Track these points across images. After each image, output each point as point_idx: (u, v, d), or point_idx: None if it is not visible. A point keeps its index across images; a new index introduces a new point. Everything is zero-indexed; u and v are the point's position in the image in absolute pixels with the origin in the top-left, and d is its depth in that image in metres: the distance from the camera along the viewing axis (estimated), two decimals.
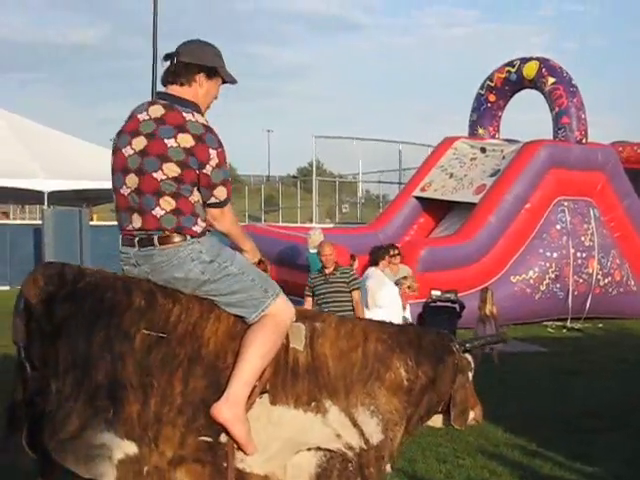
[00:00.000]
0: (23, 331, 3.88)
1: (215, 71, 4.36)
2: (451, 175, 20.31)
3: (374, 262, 10.97)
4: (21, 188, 24.29)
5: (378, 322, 4.68)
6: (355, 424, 4.18)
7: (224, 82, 4.44)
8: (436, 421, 4.64)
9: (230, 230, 4.34)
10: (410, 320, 12.71)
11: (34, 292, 3.88)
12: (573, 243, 18.63)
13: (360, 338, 4.33)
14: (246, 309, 4.14)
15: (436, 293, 13.92)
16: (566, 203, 18.97)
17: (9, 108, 28.87)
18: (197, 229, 4.12)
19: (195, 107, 4.25)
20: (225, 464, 3.98)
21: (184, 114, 4.16)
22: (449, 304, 13.78)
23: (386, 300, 10.59)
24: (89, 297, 3.90)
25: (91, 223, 22.53)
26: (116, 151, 4.22)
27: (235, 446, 4.01)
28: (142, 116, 4.20)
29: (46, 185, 23.97)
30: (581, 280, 18.70)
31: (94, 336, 3.83)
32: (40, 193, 24.04)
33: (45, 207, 23.56)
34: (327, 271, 10.51)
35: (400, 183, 27.98)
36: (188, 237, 4.09)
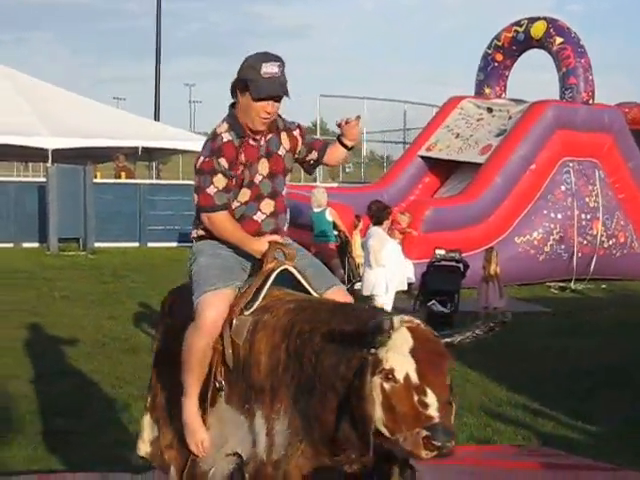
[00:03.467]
0: None
1: (244, 84, 4.02)
2: (457, 135, 20.20)
3: (377, 221, 10.83)
4: (25, 145, 24.17)
5: (316, 305, 3.90)
6: (269, 434, 3.71)
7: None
8: None
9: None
10: (413, 280, 12.71)
11: None
12: (578, 204, 18.56)
13: (288, 330, 3.75)
14: None
15: (440, 252, 13.85)
16: (571, 164, 18.87)
17: (12, 65, 28.60)
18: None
19: (228, 118, 4.15)
20: None
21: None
22: (453, 263, 13.74)
23: (388, 259, 10.52)
24: None
25: (95, 181, 22.40)
26: None
27: None
28: None
29: (50, 143, 23.81)
30: (585, 241, 18.65)
31: None
32: (44, 150, 23.90)
33: (49, 165, 23.43)
34: None
35: (405, 143, 27.80)
36: None
